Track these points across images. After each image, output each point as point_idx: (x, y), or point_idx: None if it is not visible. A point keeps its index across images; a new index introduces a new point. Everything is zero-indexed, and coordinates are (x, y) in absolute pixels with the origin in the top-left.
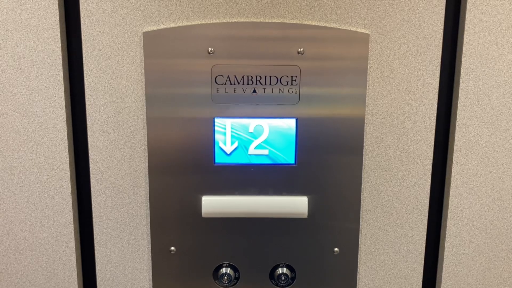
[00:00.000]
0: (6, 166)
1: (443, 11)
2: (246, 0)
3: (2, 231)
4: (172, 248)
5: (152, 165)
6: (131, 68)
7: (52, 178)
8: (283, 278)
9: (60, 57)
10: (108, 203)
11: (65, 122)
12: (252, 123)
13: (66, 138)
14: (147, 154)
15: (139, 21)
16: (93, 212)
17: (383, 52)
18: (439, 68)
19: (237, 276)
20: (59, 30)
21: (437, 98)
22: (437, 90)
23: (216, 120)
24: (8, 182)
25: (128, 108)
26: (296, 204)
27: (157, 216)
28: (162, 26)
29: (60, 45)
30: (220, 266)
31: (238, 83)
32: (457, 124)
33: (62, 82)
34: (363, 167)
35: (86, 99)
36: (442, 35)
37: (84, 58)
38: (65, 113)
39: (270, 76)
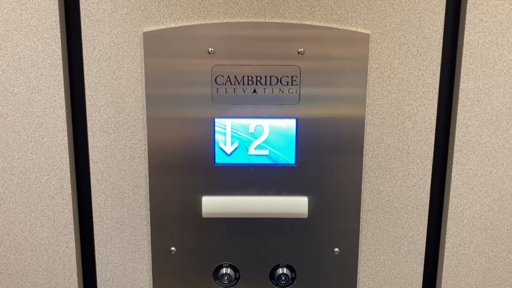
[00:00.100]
0: (6, 166)
1: (443, 11)
2: (246, 0)
3: (2, 231)
4: (172, 248)
5: (152, 165)
6: (131, 68)
7: (52, 178)
8: (283, 278)
9: (60, 57)
10: (108, 203)
11: (65, 122)
12: (252, 123)
13: (66, 138)
14: (147, 154)
15: (139, 21)
16: (93, 212)
17: (383, 52)
18: (439, 68)
19: (237, 276)
20: (59, 30)
21: (437, 98)
22: (437, 90)
23: (216, 120)
24: (8, 182)
25: (128, 108)
26: (296, 204)
27: (157, 216)
28: (162, 26)
29: (60, 45)
30: (220, 266)
31: (238, 83)
32: (457, 124)
33: (62, 82)
34: (363, 167)
35: (86, 99)
36: (442, 35)
37: (84, 58)
38: (65, 113)
39: (270, 76)
